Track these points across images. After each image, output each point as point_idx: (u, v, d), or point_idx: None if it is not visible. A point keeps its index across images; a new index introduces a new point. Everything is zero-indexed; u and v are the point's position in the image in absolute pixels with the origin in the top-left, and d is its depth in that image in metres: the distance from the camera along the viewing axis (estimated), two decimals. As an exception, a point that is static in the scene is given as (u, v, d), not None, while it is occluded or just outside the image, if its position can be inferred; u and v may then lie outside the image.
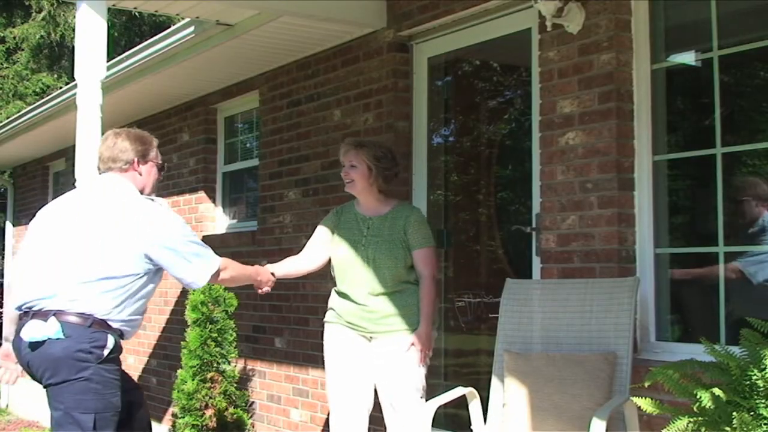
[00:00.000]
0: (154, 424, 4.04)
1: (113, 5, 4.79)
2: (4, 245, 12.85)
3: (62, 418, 3.25)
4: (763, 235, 3.67)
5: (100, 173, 3.60)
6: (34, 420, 10.12)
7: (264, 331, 6.11)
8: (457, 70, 5.53)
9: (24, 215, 11.62)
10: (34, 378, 3.37)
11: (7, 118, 11.45)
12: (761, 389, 2.63)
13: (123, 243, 3.32)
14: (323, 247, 4.11)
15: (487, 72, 5.92)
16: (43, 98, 9.69)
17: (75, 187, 3.84)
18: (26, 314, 3.35)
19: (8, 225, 12.12)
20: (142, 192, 3.57)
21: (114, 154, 3.54)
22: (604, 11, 3.79)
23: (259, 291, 3.90)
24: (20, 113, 9.40)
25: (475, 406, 3.61)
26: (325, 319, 4.12)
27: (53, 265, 3.34)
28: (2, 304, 12.43)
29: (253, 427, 5.80)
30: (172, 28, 5.80)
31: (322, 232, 4.14)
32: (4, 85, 14.81)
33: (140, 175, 3.57)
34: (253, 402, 6.03)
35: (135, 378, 6.41)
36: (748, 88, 4.13)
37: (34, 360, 3.29)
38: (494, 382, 3.70)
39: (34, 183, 11.17)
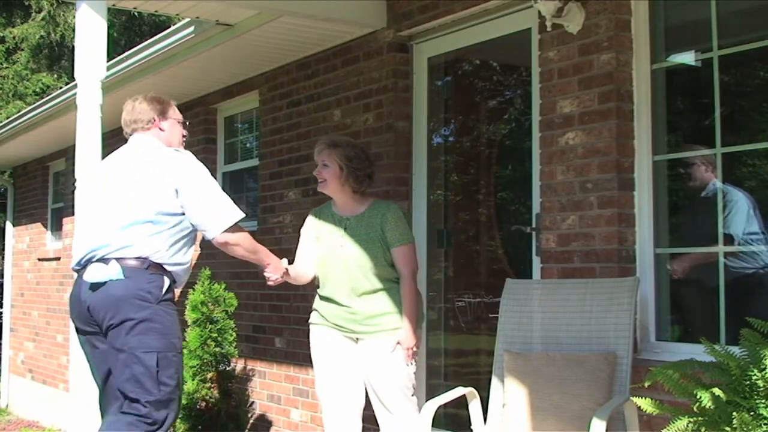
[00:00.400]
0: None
1: (113, 5, 4.79)
2: (4, 245, 12.83)
3: (127, 358, 3.38)
4: (715, 197, 3.67)
5: (127, 138, 3.80)
6: (34, 420, 10.14)
7: (264, 331, 6.11)
8: (457, 70, 5.52)
9: (24, 215, 11.61)
10: (88, 327, 3.49)
11: (7, 118, 11.43)
12: (761, 389, 2.63)
13: (158, 183, 3.49)
14: (315, 249, 4.06)
15: (487, 72, 5.92)
16: (43, 98, 9.69)
17: (75, 188, 3.90)
18: (85, 267, 3.50)
19: (8, 225, 12.11)
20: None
21: (135, 116, 3.77)
22: (604, 11, 3.79)
23: (268, 278, 3.83)
24: (20, 113, 9.39)
25: (475, 406, 3.61)
26: (310, 321, 4.09)
27: (102, 219, 3.54)
28: (1, 303, 12.49)
29: (252, 427, 5.80)
30: (172, 28, 5.80)
31: (306, 236, 4.10)
32: (4, 85, 14.79)
33: (162, 131, 3.78)
34: (253, 402, 6.03)
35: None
36: (748, 88, 4.12)
37: (95, 302, 3.43)
38: (494, 382, 3.70)
39: (34, 183, 11.16)
